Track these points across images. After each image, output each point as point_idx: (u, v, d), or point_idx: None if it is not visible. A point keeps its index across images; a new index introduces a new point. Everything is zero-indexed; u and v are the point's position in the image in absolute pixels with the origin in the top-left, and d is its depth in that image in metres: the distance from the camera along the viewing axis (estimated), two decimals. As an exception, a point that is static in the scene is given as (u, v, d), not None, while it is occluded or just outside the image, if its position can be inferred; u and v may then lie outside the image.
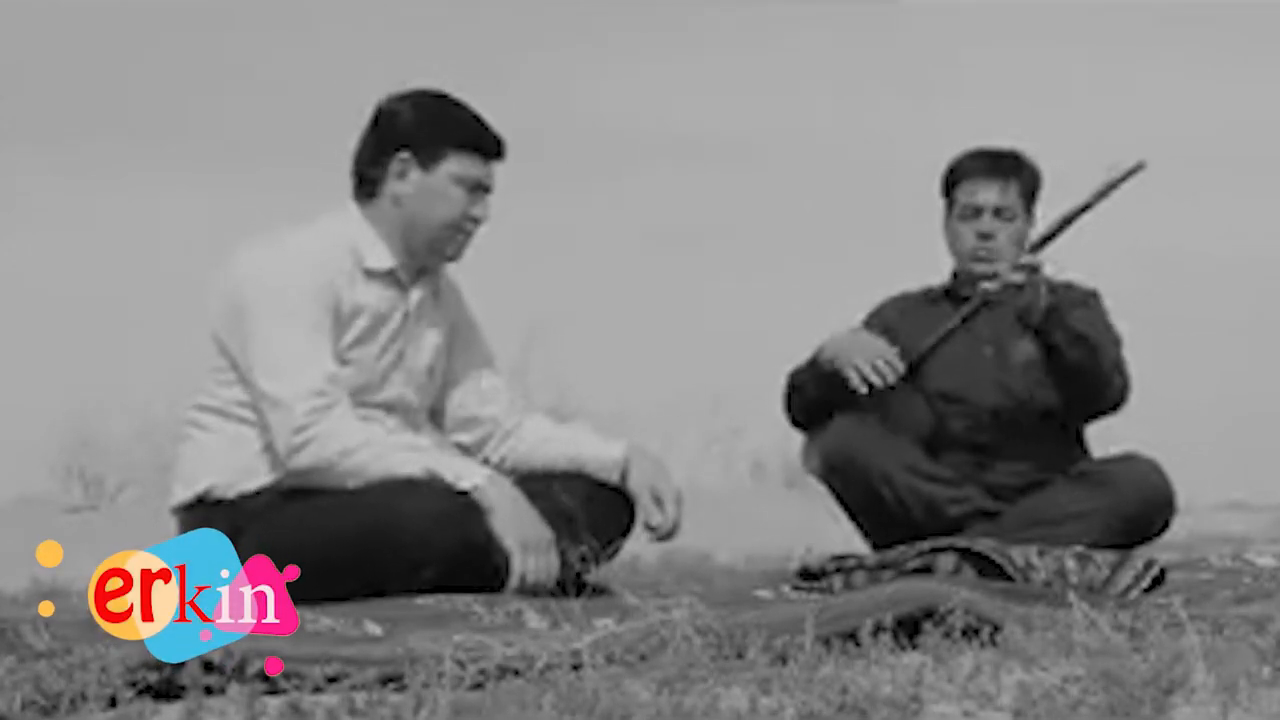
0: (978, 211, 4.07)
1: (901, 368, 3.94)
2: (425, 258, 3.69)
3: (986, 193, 4.07)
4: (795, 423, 4.15)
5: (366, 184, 3.68)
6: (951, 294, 4.17)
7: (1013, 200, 4.08)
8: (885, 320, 4.19)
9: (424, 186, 3.64)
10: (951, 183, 4.13)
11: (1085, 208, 3.98)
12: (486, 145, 3.67)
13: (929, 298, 4.22)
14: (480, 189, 3.67)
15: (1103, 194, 3.95)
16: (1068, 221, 3.99)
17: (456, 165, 3.64)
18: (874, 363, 3.93)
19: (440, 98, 3.71)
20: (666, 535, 3.74)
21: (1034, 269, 3.91)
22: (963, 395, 4.08)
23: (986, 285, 3.95)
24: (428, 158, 3.64)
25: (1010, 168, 4.10)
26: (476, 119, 3.69)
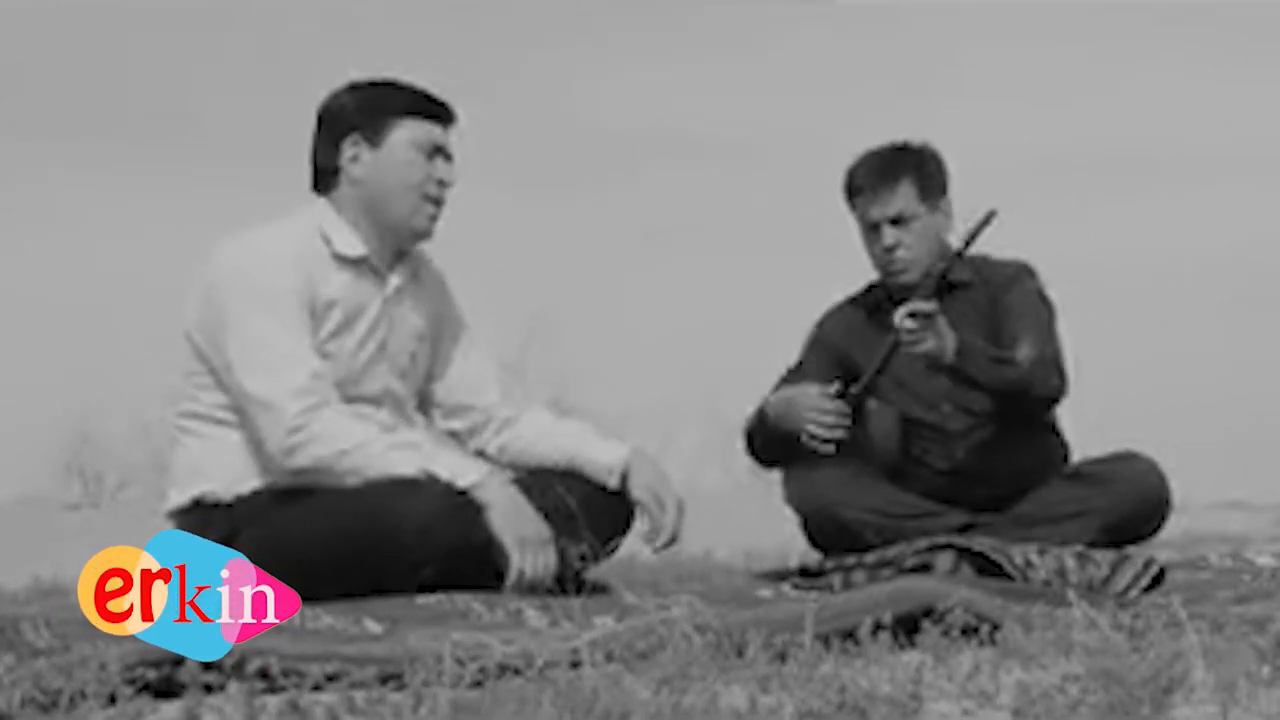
0: (875, 226, 3.98)
1: (847, 419, 3.90)
2: (397, 235, 3.65)
3: (878, 205, 3.96)
4: (763, 464, 4.13)
5: (325, 176, 3.67)
6: (891, 302, 4.02)
7: (907, 202, 3.96)
8: (833, 344, 4.10)
9: (377, 162, 3.63)
10: (849, 198, 4.03)
11: (946, 269, 3.90)
12: (432, 109, 3.67)
13: (869, 307, 4.11)
14: (437, 151, 3.65)
15: (965, 246, 3.89)
16: (939, 288, 3.89)
17: (405, 131, 3.63)
18: (824, 424, 3.88)
19: (379, 81, 3.70)
20: (667, 544, 3.73)
21: (928, 315, 3.78)
22: (924, 420, 4.03)
23: (899, 334, 3.82)
24: (375, 134, 3.63)
25: (897, 170, 3.99)
26: (418, 89, 3.68)
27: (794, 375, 4.12)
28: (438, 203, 3.65)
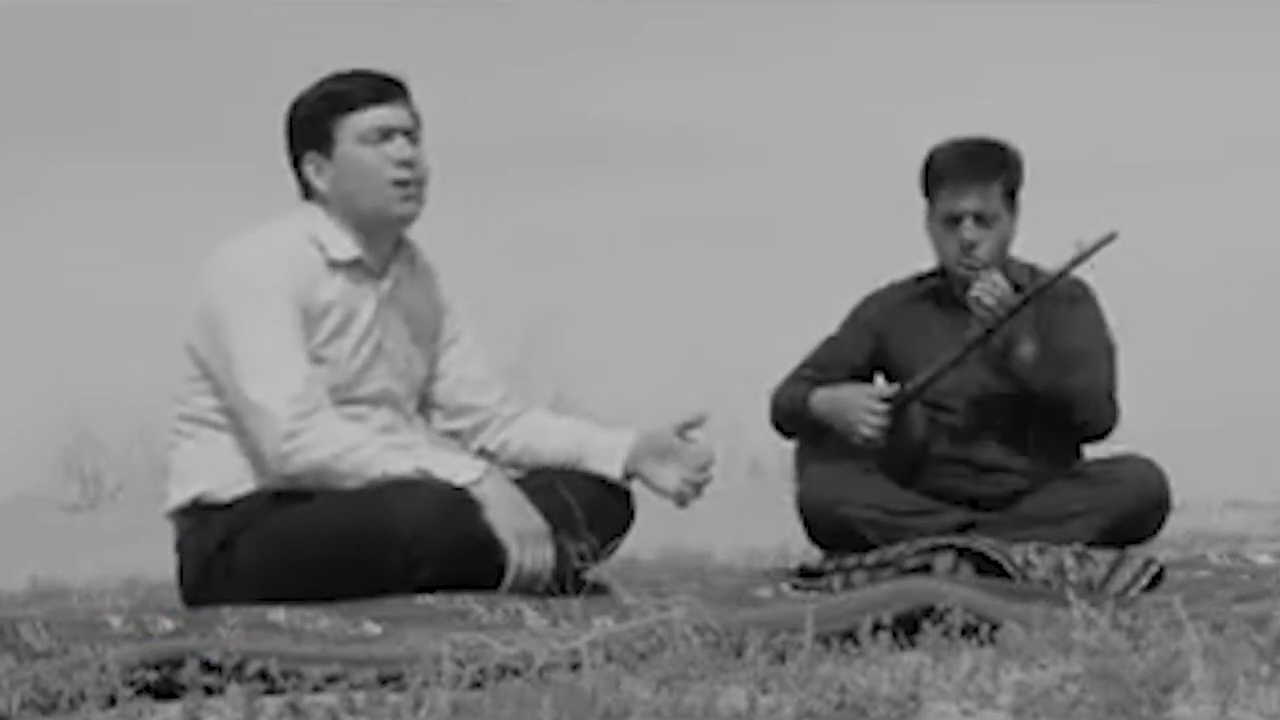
0: (958, 219, 3.97)
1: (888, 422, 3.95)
2: (379, 228, 3.63)
3: (967, 200, 3.94)
4: (784, 434, 4.15)
5: (305, 188, 3.66)
6: (939, 293, 4.09)
7: (995, 203, 3.96)
8: (870, 324, 4.12)
9: (337, 171, 3.60)
10: (931, 184, 4.01)
11: (1056, 279, 3.90)
12: (369, 94, 3.61)
13: (915, 295, 4.13)
14: (389, 134, 3.60)
15: (1072, 266, 3.89)
16: (1039, 291, 3.91)
17: (350, 129, 3.59)
18: (873, 424, 3.94)
19: (316, 86, 3.65)
20: (693, 492, 3.75)
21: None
22: (952, 406, 4.04)
23: (980, 314, 3.88)
24: (325, 146, 3.60)
25: (992, 168, 3.97)
26: (354, 80, 3.63)
27: (828, 347, 4.15)
28: (408, 183, 3.60)
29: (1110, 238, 3.83)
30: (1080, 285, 4.07)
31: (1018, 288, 3.95)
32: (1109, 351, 4.04)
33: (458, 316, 3.83)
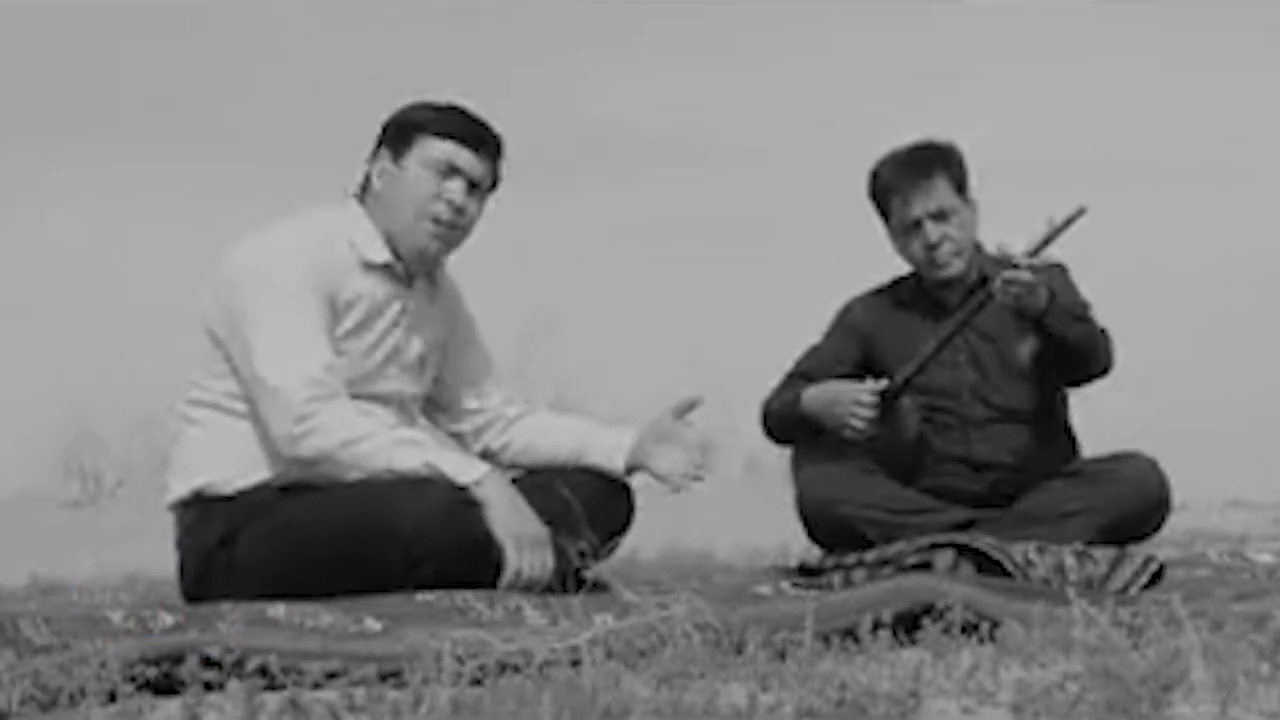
0: (916, 224, 3.99)
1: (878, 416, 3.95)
2: (409, 253, 3.66)
3: (918, 203, 3.97)
4: (777, 441, 4.16)
5: (365, 183, 3.70)
6: (921, 296, 4.10)
7: (945, 196, 3.98)
8: (857, 328, 4.14)
9: (395, 176, 3.64)
10: (880, 201, 4.04)
11: (1030, 255, 3.91)
12: (458, 131, 3.64)
13: (899, 298, 4.15)
14: (454, 172, 3.63)
15: (1046, 243, 3.89)
16: (1014, 269, 3.93)
17: (423, 150, 3.62)
18: (863, 416, 3.92)
19: (431, 102, 3.70)
20: (689, 477, 3.76)
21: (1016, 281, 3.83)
22: (945, 407, 4.05)
23: (994, 291, 3.88)
24: (399, 149, 3.64)
25: (930, 166, 3.99)
26: (455, 111, 3.67)
27: (815, 354, 4.16)
28: (445, 223, 3.63)
29: (1080, 212, 3.83)
30: (1051, 262, 4.08)
31: (985, 280, 3.96)
32: (1089, 310, 4.06)
33: (468, 324, 3.86)
